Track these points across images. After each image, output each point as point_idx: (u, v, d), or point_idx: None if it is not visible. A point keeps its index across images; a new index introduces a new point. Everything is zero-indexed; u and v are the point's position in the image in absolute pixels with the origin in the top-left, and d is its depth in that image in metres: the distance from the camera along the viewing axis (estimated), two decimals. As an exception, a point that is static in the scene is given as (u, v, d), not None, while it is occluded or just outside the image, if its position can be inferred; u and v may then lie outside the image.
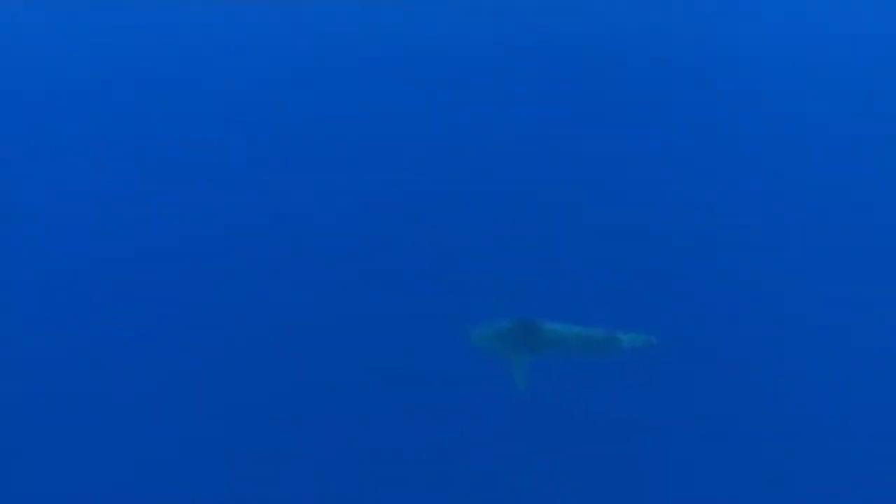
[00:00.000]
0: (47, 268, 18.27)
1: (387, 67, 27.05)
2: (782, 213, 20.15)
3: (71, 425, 14.59)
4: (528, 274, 17.51)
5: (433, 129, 23.45)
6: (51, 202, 20.48)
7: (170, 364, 15.80)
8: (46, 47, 28.49)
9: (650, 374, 15.10)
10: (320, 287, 17.51)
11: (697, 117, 24.30)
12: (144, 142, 23.07)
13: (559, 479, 13.52)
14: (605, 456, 13.84)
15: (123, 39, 29.05)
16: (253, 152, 22.58)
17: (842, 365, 15.92)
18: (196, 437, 14.36)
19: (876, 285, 17.90)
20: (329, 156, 22.33)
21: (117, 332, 16.58)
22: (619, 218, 19.65)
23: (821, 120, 24.50)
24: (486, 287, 17.02)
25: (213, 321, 16.75)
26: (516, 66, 27.23)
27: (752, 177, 21.54)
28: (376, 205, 20.08)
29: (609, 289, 17.13)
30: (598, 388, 14.64)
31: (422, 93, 25.45)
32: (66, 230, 19.49)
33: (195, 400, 15.04)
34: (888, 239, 19.30)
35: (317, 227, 19.37)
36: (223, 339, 16.37)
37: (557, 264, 17.83)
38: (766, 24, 31.04)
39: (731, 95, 25.76)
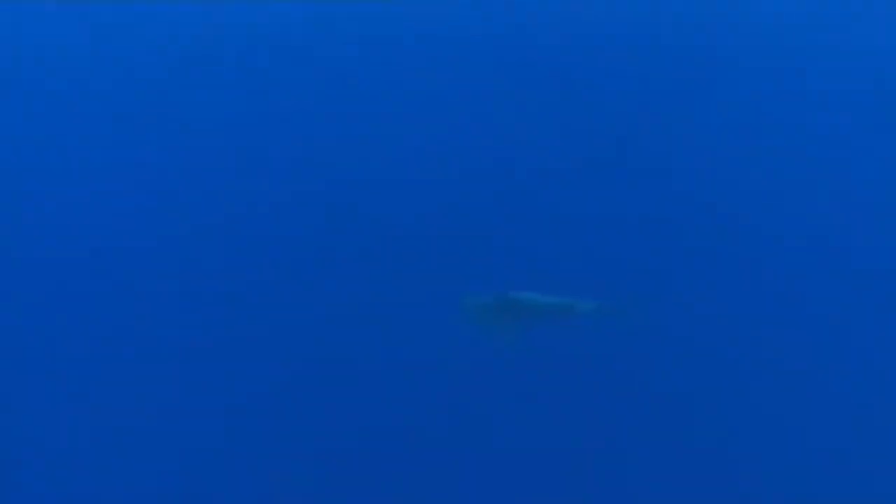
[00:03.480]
0: (31, 268, 18.36)
1: (389, 64, 27.08)
2: (784, 211, 20.21)
3: (71, 425, 14.61)
4: (519, 255, 17.86)
5: (418, 123, 23.59)
6: (36, 202, 20.56)
7: (170, 364, 15.85)
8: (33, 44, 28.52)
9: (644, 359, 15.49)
10: (309, 280, 17.66)
11: (695, 116, 24.32)
12: (138, 141, 23.14)
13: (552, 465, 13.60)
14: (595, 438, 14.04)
15: (114, 37, 29.08)
16: (249, 148, 22.65)
17: (839, 360, 15.97)
18: (197, 436, 14.39)
19: (871, 283, 17.95)
20: (309, 152, 22.52)
21: (116, 330, 16.64)
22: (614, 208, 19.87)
23: (820, 120, 24.54)
24: (473, 268, 17.35)
25: (209, 319, 16.79)
26: (508, 62, 27.26)
27: (753, 174, 21.60)
28: (362, 198, 20.29)
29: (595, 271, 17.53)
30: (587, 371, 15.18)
31: (415, 88, 25.50)
32: (59, 230, 19.55)
33: (196, 400, 15.08)
34: (888, 238, 19.35)
35: (305, 221, 19.52)
36: (224, 338, 16.41)
37: (543, 247, 18.13)
38: (766, 25, 31.04)
39: (728, 93, 25.78)
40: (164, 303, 17.37)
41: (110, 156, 22.58)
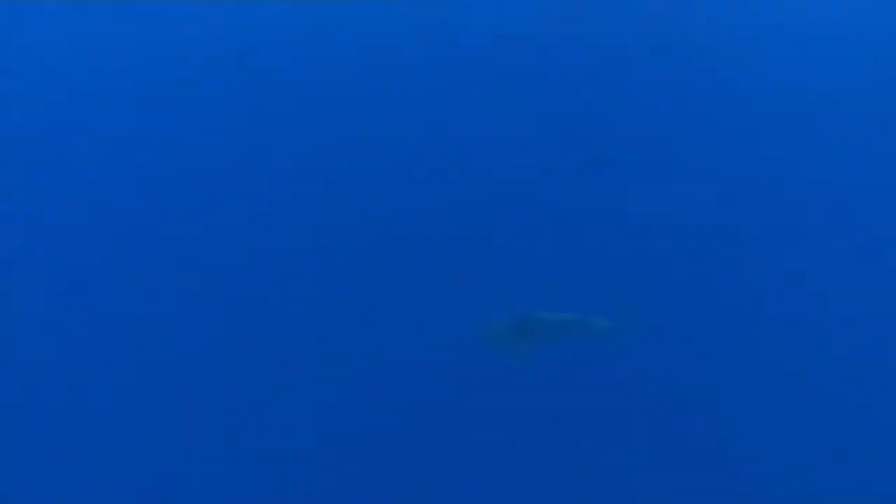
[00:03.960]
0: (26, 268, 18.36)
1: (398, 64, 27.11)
2: (788, 211, 20.20)
3: (70, 425, 14.62)
4: (526, 270, 17.78)
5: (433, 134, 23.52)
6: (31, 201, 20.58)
7: (173, 365, 15.87)
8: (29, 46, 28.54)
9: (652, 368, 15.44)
10: (326, 289, 17.60)
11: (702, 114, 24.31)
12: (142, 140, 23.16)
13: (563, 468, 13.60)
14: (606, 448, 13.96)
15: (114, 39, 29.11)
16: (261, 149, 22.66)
17: (849, 367, 15.96)
18: (199, 436, 14.40)
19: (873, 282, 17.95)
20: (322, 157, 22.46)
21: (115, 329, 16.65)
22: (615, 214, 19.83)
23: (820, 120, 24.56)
24: (485, 283, 17.29)
25: (215, 321, 16.81)
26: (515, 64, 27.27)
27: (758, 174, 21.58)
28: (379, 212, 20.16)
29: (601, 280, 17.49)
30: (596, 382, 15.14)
31: (426, 93, 25.47)
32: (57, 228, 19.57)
33: (199, 400, 15.09)
34: (887, 237, 19.36)
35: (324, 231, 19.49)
36: (227, 339, 16.43)
37: (553, 260, 18.07)
38: (768, 25, 31.09)
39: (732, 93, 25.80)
40: (164, 304, 17.39)
41: (106, 156, 22.64)
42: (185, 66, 27.51)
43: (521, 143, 22.72)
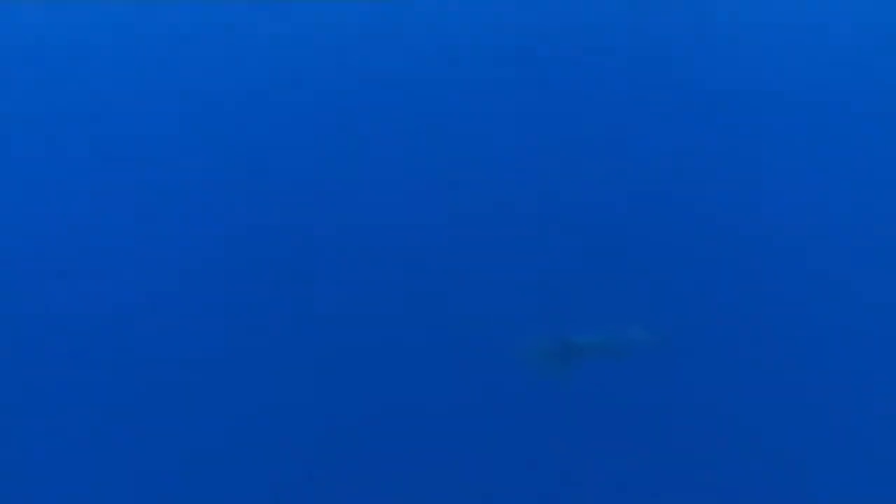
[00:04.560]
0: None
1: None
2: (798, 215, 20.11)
3: (70, 425, 14.62)
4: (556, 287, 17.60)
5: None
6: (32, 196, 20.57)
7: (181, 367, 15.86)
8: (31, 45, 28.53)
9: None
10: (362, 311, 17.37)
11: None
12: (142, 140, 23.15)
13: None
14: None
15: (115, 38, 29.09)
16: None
17: (843, 362, 15.94)
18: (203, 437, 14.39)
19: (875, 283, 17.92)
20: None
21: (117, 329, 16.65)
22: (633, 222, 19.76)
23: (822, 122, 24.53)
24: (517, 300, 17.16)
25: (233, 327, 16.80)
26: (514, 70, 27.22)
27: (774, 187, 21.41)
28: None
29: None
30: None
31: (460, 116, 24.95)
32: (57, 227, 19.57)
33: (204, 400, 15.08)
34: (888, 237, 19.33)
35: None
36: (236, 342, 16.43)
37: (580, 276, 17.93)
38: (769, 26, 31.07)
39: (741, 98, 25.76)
40: (163, 305, 17.40)
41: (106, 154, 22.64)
42: (191, 67, 27.51)
43: (557, 172, 22.23)
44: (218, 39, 29.35)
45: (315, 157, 22.63)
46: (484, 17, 31.14)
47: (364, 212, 20.14)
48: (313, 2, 32.59)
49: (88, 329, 16.74)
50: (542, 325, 16.55)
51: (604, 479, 13.53)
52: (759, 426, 14.48)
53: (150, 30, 30.13)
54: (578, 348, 15.89)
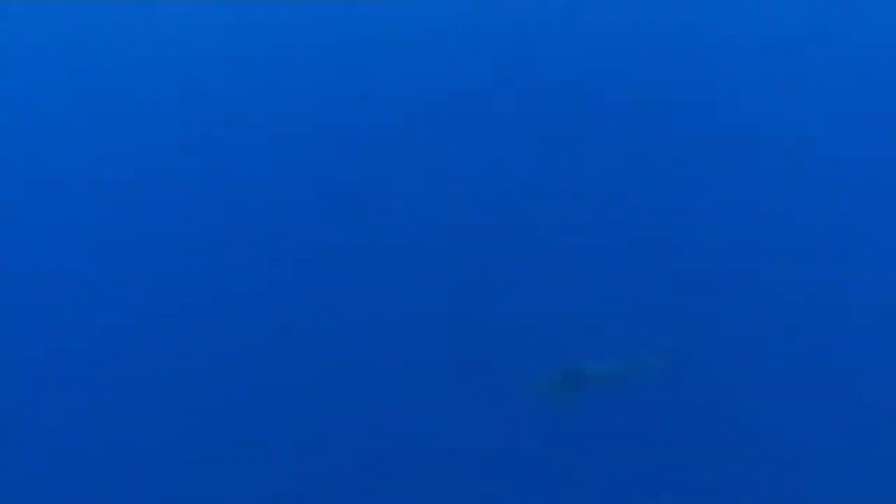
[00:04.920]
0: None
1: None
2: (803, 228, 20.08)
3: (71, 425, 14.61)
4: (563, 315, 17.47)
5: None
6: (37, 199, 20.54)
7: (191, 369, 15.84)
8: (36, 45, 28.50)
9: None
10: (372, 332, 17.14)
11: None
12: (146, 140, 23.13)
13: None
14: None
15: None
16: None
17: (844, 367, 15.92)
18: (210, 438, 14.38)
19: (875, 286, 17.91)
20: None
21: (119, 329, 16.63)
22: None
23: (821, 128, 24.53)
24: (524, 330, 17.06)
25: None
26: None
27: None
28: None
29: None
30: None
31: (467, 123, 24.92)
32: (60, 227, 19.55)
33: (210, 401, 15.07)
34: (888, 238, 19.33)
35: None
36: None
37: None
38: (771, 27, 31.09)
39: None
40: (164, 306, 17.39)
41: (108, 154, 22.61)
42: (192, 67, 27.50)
43: (571, 194, 21.97)
44: (217, 39, 29.35)
45: (315, 160, 22.64)
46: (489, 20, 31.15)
47: (376, 231, 20.10)
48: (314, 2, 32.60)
49: (88, 328, 16.74)
50: (551, 354, 16.42)
51: None
52: (771, 452, 14.25)
53: (151, 30, 30.14)
54: (588, 378, 15.82)
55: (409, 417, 15.05)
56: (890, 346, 16.50)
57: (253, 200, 20.84)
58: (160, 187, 21.39)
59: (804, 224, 20.30)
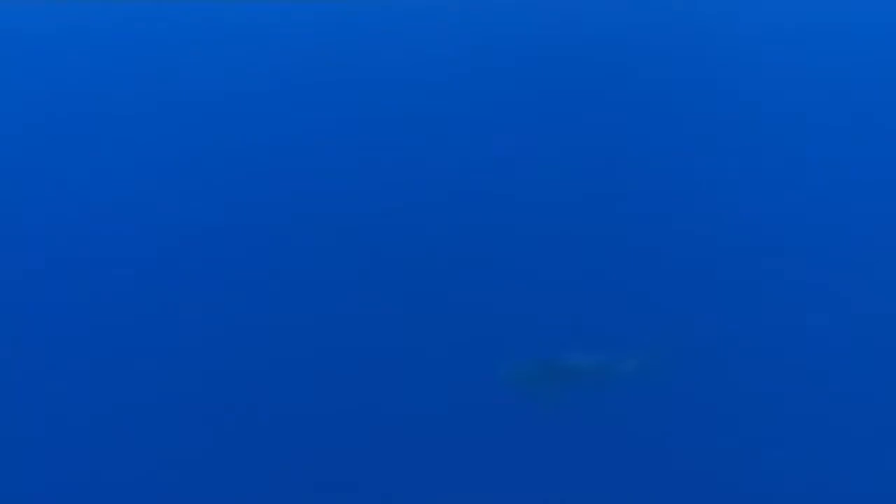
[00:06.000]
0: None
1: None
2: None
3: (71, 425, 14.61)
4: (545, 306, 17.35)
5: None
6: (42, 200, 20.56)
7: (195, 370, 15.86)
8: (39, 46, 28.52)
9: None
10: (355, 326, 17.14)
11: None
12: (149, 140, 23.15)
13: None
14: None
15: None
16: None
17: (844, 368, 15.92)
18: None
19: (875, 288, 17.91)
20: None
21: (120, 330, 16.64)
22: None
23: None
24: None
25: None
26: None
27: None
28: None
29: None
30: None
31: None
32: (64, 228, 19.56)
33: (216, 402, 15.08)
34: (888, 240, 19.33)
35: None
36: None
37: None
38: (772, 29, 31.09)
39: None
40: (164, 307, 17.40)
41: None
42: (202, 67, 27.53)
43: (557, 185, 21.99)
44: (218, 40, 29.37)
45: (313, 160, 22.66)
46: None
47: (361, 223, 20.13)
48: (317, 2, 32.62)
49: (88, 329, 16.76)
50: (532, 345, 16.18)
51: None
52: (758, 452, 14.20)
53: (151, 30, 30.15)
54: (564, 369, 15.43)
55: (387, 408, 15.03)
56: (890, 347, 16.47)
57: (251, 200, 20.86)
58: (160, 187, 21.40)
59: (796, 217, 20.35)
